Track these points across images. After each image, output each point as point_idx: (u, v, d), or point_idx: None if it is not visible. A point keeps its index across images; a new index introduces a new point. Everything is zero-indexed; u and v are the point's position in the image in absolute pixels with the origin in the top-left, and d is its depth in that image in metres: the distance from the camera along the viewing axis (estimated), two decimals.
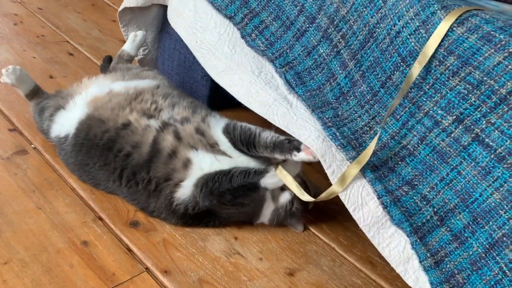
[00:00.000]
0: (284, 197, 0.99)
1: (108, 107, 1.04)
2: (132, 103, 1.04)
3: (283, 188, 0.99)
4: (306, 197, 0.90)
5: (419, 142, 0.84)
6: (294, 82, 0.97)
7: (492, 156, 0.76)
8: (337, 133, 0.87)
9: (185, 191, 0.95)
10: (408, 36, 0.87)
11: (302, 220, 1.04)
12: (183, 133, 0.99)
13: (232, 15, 1.07)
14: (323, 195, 0.85)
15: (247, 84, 0.99)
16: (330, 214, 1.13)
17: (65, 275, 0.84)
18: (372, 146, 0.82)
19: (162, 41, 1.46)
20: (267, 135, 0.95)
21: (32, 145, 1.13)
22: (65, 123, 1.06)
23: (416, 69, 0.83)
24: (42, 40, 1.65)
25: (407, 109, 0.86)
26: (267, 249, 0.99)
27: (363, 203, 0.82)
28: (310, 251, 1.01)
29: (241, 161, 0.98)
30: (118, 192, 1.01)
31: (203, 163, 0.96)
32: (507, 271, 0.72)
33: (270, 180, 0.93)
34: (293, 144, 0.91)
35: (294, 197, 0.99)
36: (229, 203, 0.96)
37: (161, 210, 0.97)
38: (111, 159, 0.98)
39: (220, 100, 1.25)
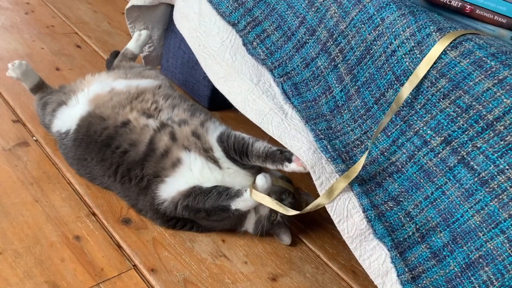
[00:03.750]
0: (264, 209, 0.99)
1: (109, 106, 1.06)
2: (133, 102, 1.06)
3: None
4: (290, 212, 0.91)
5: (408, 160, 0.85)
6: (290, 93, 0.98)
7: (476, 179, 0.77)
8: (328, 146, 0.88)
9: (166, 188, 0.96)
10: (403, 56, 0.88)
11: (288, 231, 1.04)
12: (179, 134, 1.00)
13: (236, 22, 1.09)
14: (309, 207, 0.86)
15: (245, 91, 1.00)
16: (319, 222, 1.14)
17: (56, 269, 0.86)
18: (361, 161, 0.82)
19: (168, 39, 1.47)
20: (260, 145, 0.97)
21: (34, 137, 1.15)
22: (67, 119, 1.08)
23: (406, 89, 0.84)
24: (52, 31, 1.66)
25: (398, 126, 0.87)
26: (253, 253, 1.01)
27: (348, 215, 0.83)
28: (295, 257, 1.03)
29: (229, 173, 0.99)
30: (112, 187, 1.03)
31: (194, 165, 0.97)
32: None
33: (242, 203, 0.94)
34: (285, 155, 0.93)
35: None
36: (204, 219, 0.98)
37: (147, 208, 0.99)
38: (108, 155, 1.00)
39: (220, 100, 1.26)
